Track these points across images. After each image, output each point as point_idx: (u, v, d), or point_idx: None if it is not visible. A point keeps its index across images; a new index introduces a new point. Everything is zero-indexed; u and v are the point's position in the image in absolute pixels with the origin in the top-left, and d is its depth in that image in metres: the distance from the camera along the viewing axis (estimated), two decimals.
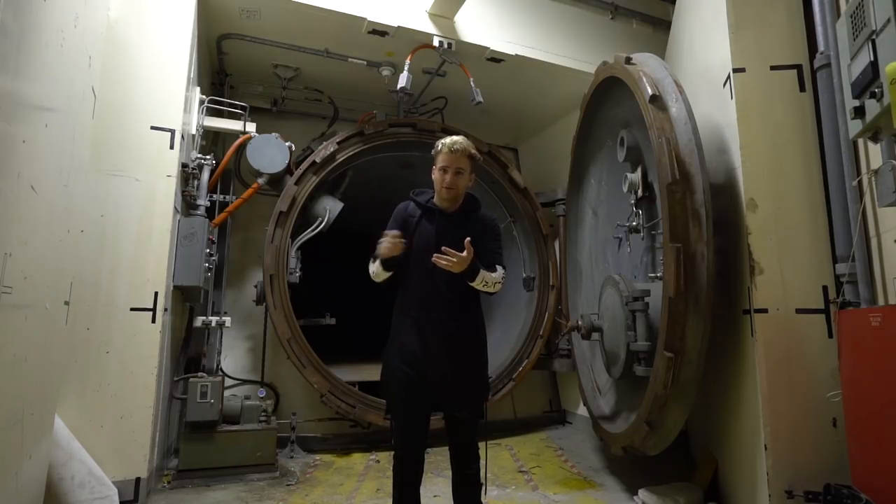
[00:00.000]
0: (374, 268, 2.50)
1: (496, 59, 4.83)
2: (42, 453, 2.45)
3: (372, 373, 5.35)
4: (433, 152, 2.56)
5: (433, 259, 2.33)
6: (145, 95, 3.51)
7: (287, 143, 4.65)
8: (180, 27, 3.73)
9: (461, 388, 2.49)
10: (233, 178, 4.98)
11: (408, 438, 2.49)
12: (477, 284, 2.43)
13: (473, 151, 2.54)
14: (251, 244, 5.13)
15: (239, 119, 4.65)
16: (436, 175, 2.52)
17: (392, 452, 2.54)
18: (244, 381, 4.74)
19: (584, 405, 4.58)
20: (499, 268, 2.52)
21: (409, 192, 2.66)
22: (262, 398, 4.26)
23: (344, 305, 7.51)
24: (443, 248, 2.32)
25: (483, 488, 2.59)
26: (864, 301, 2.74)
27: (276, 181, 4.74)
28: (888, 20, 2.09)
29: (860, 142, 2.79)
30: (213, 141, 4.91)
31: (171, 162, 3.55)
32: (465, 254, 2.30)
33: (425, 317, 2.46)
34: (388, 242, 2.36)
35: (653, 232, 3.86)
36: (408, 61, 4.55)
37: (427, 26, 4.51)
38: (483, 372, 2.61)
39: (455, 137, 2.54)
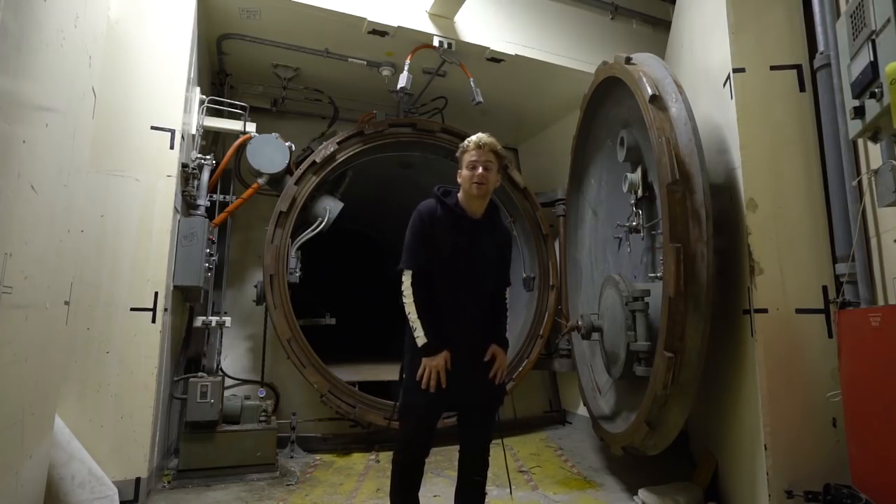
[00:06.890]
0: (416, 331, 2.38)
1: (496, 59, 4.83)
2: (42, 453, 2.45)
3: (372, 373, 5.35)
4: (458, 154, 2.52)
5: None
6: (145, 95, 3.52)
7: (287, 143, 4.65)
8: (180, 27, 3.73)
9: (482, 390, 2.50)
10: (233, 178, 4.98)
11: (415, 447, 2.47)
12: None
13: (500, 148, 2.52)
14: (251, 244, 5.13)
15: (239, 119, 4.65)
16: (464, 174, 2.46)
17: (392, 453, 2.52)
18: (244, 381, 4.74)
19: (584, 405, 4.58)
20: (507, 291, 2.73)
21: (435, 189, 2.56)
22: (262, 398, 4.26)
23: (344, 305, 7.52)
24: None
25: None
26: (863, 301, 2.74)
27: (276, 181, 4.74)
28: (888, 20, 2.09)
29: (860, 142, 2.79)
30: (213, 141, 4.91)
31: (171, 162, 3.55)
32: (499, 368, 2.53)
33: (455, 328, 2.43)
34: (435, 375, 2.33)
35: (653, 232, 3.86)
36: (408, 61, 4.56)
37: (427, 26, 4.51)
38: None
39: (480, 134, 2.51)
